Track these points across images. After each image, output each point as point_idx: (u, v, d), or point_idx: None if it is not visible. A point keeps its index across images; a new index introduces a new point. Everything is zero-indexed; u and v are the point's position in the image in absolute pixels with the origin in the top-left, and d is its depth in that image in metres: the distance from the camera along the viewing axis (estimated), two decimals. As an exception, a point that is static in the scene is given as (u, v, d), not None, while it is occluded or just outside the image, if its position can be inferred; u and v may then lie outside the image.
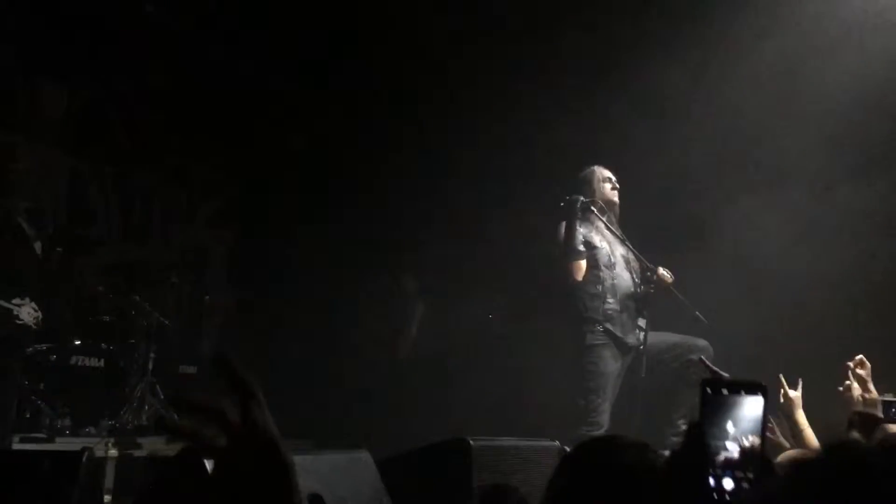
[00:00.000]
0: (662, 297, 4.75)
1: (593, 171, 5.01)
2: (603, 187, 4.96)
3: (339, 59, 6.72)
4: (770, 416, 3.64)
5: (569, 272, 4.76)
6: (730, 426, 1.21)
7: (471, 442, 2.87)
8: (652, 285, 4.74)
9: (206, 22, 6.80)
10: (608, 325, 4.71)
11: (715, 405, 1.22)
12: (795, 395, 3.38)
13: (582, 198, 4.77)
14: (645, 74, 5.48)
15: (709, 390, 1.23)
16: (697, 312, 4.61)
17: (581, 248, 4.77)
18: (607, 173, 5.02)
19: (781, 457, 2.96)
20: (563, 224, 4.79)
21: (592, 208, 4.77)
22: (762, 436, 1.20)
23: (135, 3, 6.46)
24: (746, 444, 1.20)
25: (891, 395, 3.09)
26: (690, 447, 1.16)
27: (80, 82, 6.90)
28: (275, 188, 7.82)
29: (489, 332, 6.45)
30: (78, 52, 6.61)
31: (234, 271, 8.17)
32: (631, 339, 4.76)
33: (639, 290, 4.88)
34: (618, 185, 4.99)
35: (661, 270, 4.78)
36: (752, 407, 1.22)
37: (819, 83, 5.22)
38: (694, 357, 4.33)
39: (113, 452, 5.11)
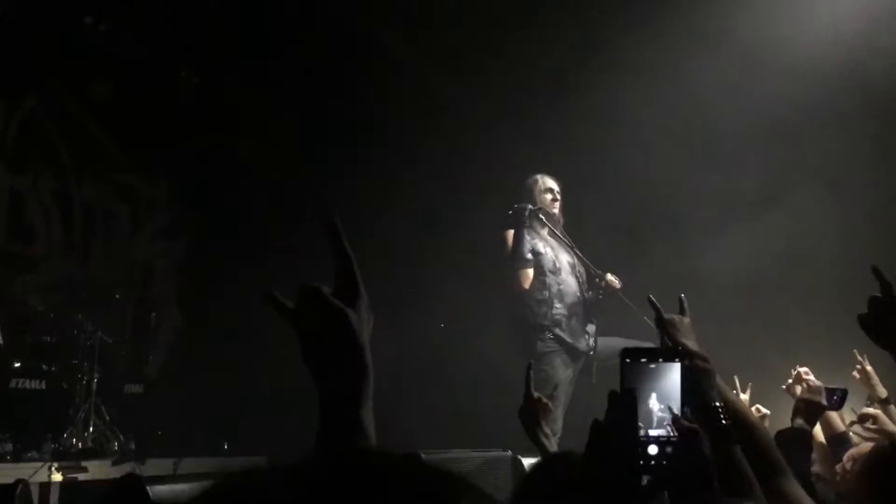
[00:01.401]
0: (611, 302, 4.80)
1: (536, 181, 5.05)
2: (544, 198, 4.99)
3: (282, 62, 6.65)
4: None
5: (517, 280, 4.78)
6: (652, 395, 1.23)
7: (422, 455, 2.85)
8: (601, 291, 4.79)
9: (148, 32, 6.69)
10: (557, 331, 4.74)
11: (635, 374, 1.25)
12: (744, 398, 3.46)
13: (530, 206, 4.80)
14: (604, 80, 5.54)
15: (628, 360, 1.24)
16: (645, 317, 4.65)
17: (529, 256, 4.80)
18: (550, 183, 5.04)
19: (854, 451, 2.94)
20: (511, 232, 4.83)
21: (540, 216, 4.81)
22: (682, 399, 1.23)
23: (76, 15, 6.34)
24: (668, 411, 1.22)
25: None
26: (621, 415, 1.17)
27: (18, 95, 6.73)
28: (223, 201, 7.70)
29: (438, 342, 6.44)
30: (17, 64, 6.44)
31: (181, 288, 8.02)
32: (581, 345, 4.79)
33: (586, 295, 4.94)
34: (559, 197, 5.01)
35: (609, 276, 4.83)
36: (671, 374, 1.24)
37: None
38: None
39: (57, 477, 4.97)
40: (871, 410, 3.21)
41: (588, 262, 4.88)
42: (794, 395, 3.14)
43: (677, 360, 1.26)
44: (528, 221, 4.79)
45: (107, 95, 7.01)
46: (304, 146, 7.24)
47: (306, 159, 7.23)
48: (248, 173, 7.53)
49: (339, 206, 6.96)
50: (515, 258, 4.78)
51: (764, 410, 3.29)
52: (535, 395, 2.47)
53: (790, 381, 3.29)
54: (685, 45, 5.34)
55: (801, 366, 3.29)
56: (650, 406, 1.24)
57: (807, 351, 3.90)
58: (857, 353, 3.44)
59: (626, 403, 1.18)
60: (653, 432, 1.22)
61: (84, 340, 5.96)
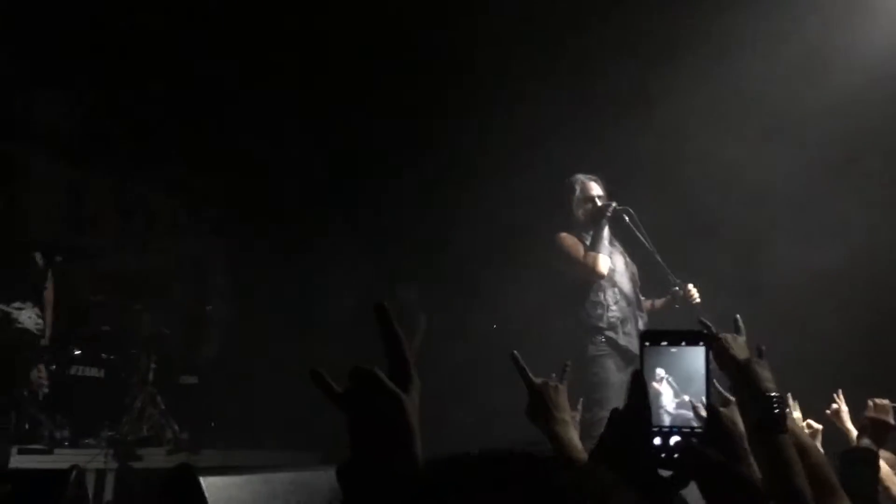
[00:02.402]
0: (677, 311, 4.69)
1: (574, 186, 4.88)
2: (584, 209, 4.83)
3: (345, 65, 6.68)
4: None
5: (596, 265, 4.67)
6: (668, 381, 1.14)
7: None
8: (676, 301, 4.69)
9: (208, 27, 6.76)
10: (610, 334, 4.65)
11: (655, 358, 1.16)
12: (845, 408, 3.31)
13: (615, 204, 4.71)
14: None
15: (647, 343, 1.17)
16: (707, 322, 4.54)
17: (608, 245, 4.71)
18: (593, 190, 4.86)
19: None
20: (565, 235, 4.76)
21: (625, 217, 4.71)
22: (707, 387, 1.14)
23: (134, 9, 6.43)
24: (690, 395, 1.13)
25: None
26: (631, 400, 1.10)
27: (80, 90, 6.87)
28: (279, 194, 7.78)
29: (495, 342, 6.40)
30: (79, 60, 6.58)
31: (236, 281, 8.12)
32: (634, 348, 4.69)
33: (639, 298, 4.85)
34: (600, 203, 4.83)
35: (691, 287, 4.70)
36: (694, 358, 1.16)
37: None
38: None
39: (112, 464, 5.06)
40: None
41: (667, 268, 4.76)
42: (837, 420, 3.06)
43: (701, 343, 1.16)
44: (611, 220, 4.69)
45: (168, 92, 7.12)
46: (362, 142, 7.26)
47: (362, 155, 7.25)
48: (304, 167, 7.59)
49: (400, 205, 6.99)
50: (597, 244, 4.67)
51: (816, 426, 3.18)
52: (539, 380, 2.09)
53: (835, 405, 3.20)
54: (742, 40, 5.24)
55: (841, 393, 3.20)
56: (664, 393, 1.14)
57: (866, 368, 3.76)
58: None
59: (637, 389, 1.11)
60: (674, 422, 1.14)
61: (141, 331, 6.08)
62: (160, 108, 7.15)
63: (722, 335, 1.91)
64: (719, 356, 1.87)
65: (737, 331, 1.95)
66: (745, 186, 5.40)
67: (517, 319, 6.00)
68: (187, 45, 6.64)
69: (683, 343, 1.16)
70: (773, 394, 1.59)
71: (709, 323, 1.97)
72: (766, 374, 1.69)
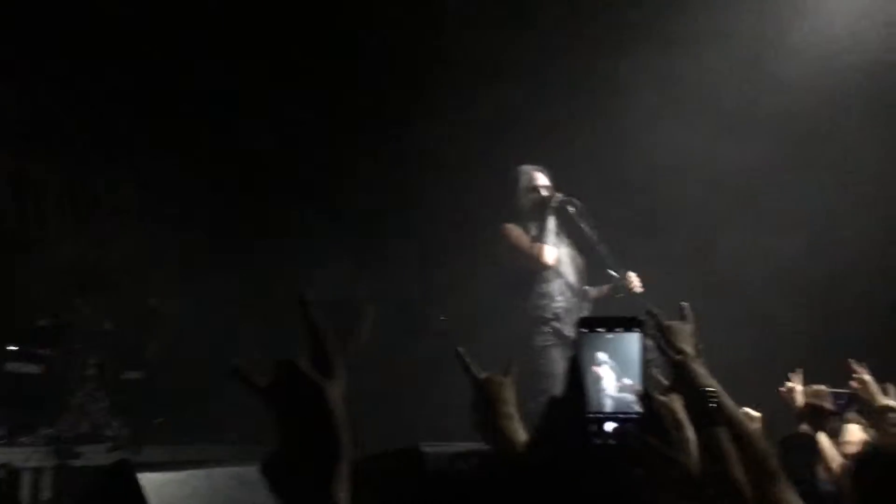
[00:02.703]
0: (621, 300, 4.73)
1: (519, 177, 4.91)
2: (528, 199, 4.86)
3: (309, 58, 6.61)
4: None
5: (541, 255, 4.68)
6: (608, 367, 1.15)
7: (423, 448, 2.80)
8: (617, 289, 4.73)
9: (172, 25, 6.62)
10: (556, 325, 4.67)
11: (591, 345, 1.17)
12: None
13: (561, 195, 4.73)
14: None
15: (584, 330, 1.17)
16: (649, 307, 4.58)
17: (554, 237, 4.72)
18: (538, 180, 4.88)
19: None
20: (512, 226, 4.78)
21: (569, 208, 4.73)
22: (641, 372, 1.15)
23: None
24: (627, 381, 1.14)
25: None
26: (567, 387, 1.11)
27: (29, 79, 6.67)
28: (230, 190, 7.66)
29: (439, 333, 6.40)
30: (26, 48, 6.38)
31: (184, 275, 7.97)
32: (579, 338, 4.72)
33: (583, 287, 4.89)
34: (545, 194, 4.85)
35: (631, 275, 4.74)
36: (630, 343, 1.17)
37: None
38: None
39: (51, 462, 4.94)
40: (893, 402, 3.15)
41: (609, 258, 4.78)
42: (791, 400, 3.11)
43: (636, 329, 1.18)
44: (557, 211, 4.71)
45: (116, 82, 6.94)
46: (314, 134, 7.19)
47: (315, 146, 7.18)
48: (255, 158, 7.48)
49: (344, 196, 6.93)
50: (542, 235, 4.68)
51: (754, 414, 3.23)
52: (483, 375, 2.07)
53: (789, 384, 3.25)
54: (699, 29, 5.31)
55: (794, 372, 3.26)
56: (605, 378, 1.16)
57: (813, 354, 3.84)
58: (852, 363, 3.36)
59: (573, 375, 1.11)
60: (616, 406, 1.14)
61: (82, 326, 5.93)
62: (107, 96, 6.99)
63: (668, 323, 1.94)
64: (664, 344, 1.91)
65: (683, 319, 1.99)
66: (698, 177, 5.47)
67: (469, 312, 6.01)
68: (135, 29, 6.51)
69: (619, 329, 1.17)
70: (707, 389, 1.65)
71: (656, 311, 1.99)
72: (701, 371, 1.75)
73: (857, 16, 5.34)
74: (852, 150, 5.28)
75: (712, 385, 1.70)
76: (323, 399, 1.03)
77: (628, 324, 1.19)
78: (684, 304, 2.04)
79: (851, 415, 3.41)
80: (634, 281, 4.73)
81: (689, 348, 1.91)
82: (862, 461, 1.86)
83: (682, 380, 1.75)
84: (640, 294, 4.71)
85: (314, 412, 1.02)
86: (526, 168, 4.93)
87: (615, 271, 4.77)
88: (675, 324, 1.96)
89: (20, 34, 6.21)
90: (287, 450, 1.00)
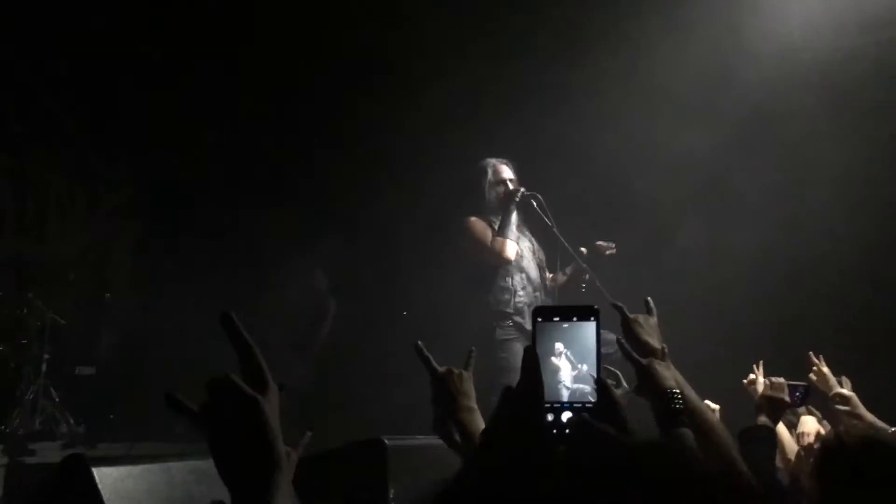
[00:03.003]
0: (585, 293, 4.73)
1: (485, 170, 4.88)
2: (495, 191, 4.84)
3: (253, 50, 6.53)
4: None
5: (503, 250, 4.67)
6: (565, 356, 1.15)
7: (385, 441, 2.78)
8: (584, 285, 4.74)
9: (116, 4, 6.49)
10: (518, 319, 4.68)
11: (547, 334, 1.17)
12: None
13: (523, 189, 4.72)
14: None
15: (539, 319, 1.17)
16: (621, 306, 4.60)
17: (515, 231, 4.72)
18: (504, 174, 4.87)
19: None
20: (474, 219, 4.77)
21: (533, 202, 4.73)
22: (597, 361, 1.15)
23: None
24: (583, 371, 1.14)
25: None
26: (523, 377, 1.10)
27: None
28: (183, 182, 7.55)
29: (400, 329, 6.37)
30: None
31: (137, 269, 7.84)
32: (540, 332, 4.72)
33: (546, 282, 4.90)
34: (512, 186, 4.87)
35: (599, 243, 4.75)
36: (586, 333, 1.17)
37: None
38: (604, 351, 4.32)
39: (3, 460, 4.82)
40: (845, 391, 3.20)
41: (574, 254, 4.79)
42: (754, 392, 3.14)
43: (592, 318, 1.17)
44: (519, 204, 4.70)
45: (65, 70, 6.81)
46: (269, 130, 7.12)
47: (276, 139, 7.12)
48: (210, 153, 7.40)
49: (308, 195, 6.88)
50: (504, 231, 4.67)
51: (713, 406, 3.27)
52: (443, 368, 2.04)
53: (752, 375, 3.28)
54: (664, 22, 5.36)
55: (757, 365, 3.30)
56: (561, 368, 1.15)
57: (772, 347, 3.88)
58: (812, 355, 3.42)
59: (529, 364, 1.10)
60: (573, 396, 1.14)
61: (34, 320, 5.80)
62: (60, 88, 6.85)
63: (633, 316, 1.96)
64: (630, 338, 1.92)
65: (648, 312, 2.01)
66: (659, 170, 5.50)
67: (431, 306, 5.99)
68: (91, 20, 6.39)
69: (575, 318, 1.17)
70: (671, 391, 1.68)
71: (621, 304, 2.00)
72: (665, 373, 1.78)
73: (812, 11, 5.43)
74: (812, 143, 5.36)
75: (676, 387, 1.73)
76: (258, 412, 1.04)
77: (584, 313, 1.18)
78: (648, 298, 2.05)
79: (804, 408, 3.46)
80: (604, 245, 4.74)
81: (654, 341, 1.94)
82: (826, 451, 1.88)
83: (647, 382, 1.79)
84: (610, 258, 4.72)
85: (249, 426, 1.03)
86: (491, 161, 4.92)
87: (582, 265, 4.78)
88: (640, 317, 1.99)
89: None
90: (226, 466, 1.01)
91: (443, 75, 5.98)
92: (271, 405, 1.07)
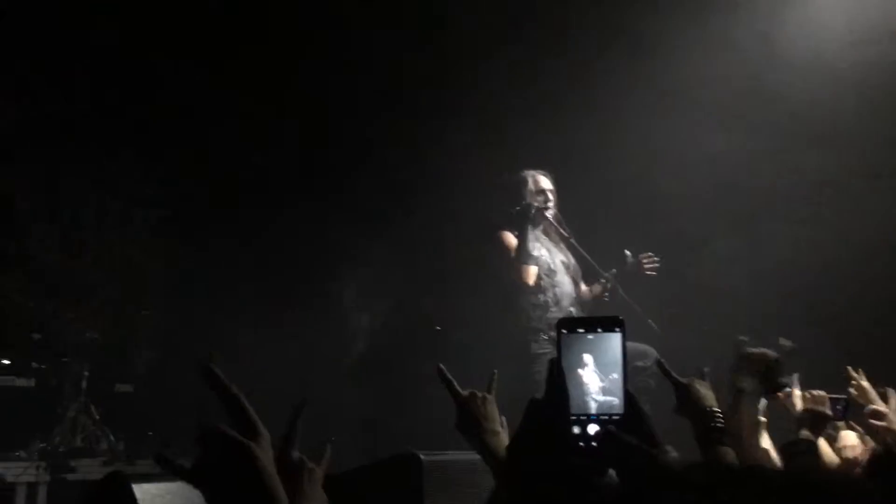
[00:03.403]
0: (614, 304, 4.72)
1: (525, 180, 4.89)
2: (536, 200, 4.84)
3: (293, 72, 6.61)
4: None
5: (521, 276, 4.69)
6: (591, 367, 1.13)
7: (421, 456, 2.78)
8: (607, 294, 4.73)
9: (144, 27, 6.60)
10: (552, 334, 4.65)
11: (572, 346, 1.15)
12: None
13: (535, 204, 4.73)
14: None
15: (564, 331, 1.16)
16: (650, 321, 4.59)
17: (535, 253, 4.72)
18: (543, 183, 4.88)
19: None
20: (506, 233, 4.77)
21: (547, 216, 4.73)
22: (624, 373, 1.13)
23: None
24: (609, 383, 1.12)
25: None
26: (549, 389, 1.09)
27: (5, 88, 6.64)
28: (216, 199, 7.64)
29: (434, 344, 6.37)
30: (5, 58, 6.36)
31: (173, 286, 7.93)
32: (576, 347, 4.71)
33: (581, 295, 4.89)
34: (552, 197, 4.87)
35: (640, 258, 4.73)
36: (611, 344, 1.15)
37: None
38: (640, 363, 4.30)
39: (45, 477, 4.89)
40: (881, 408, 3.15)
41: (596, 265, 4.80)
42: (791, 406, 3.10)
43: (617, 329, 1.15)
44: (533, 220, 4.71)
45: (99, 87, 6.93)
46: (306, 142, 7.18)
47: (309, 155, 7.18)
48: (243, 171, 7.47)
49: (343, 209, 6.92)
50: (522, 255, 4.69)
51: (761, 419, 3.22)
52: (466, 392, 2.04)
53: (788, 389, 3.25)
54: (693, 39, 5.34)
55: (794, 376, 3.26)
56: (588, 380, 1.13)
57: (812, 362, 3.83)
58: (849, 369, 3.40)
59: (553, 376, 1.09)
60: (600, 408, 1.13)
61: (73, 338, 5.89)
62: (95, 103, 6.96)
63: (687, 380, 1.93)
64: (683, 403, 1.89)
65: (702, 377, 1.99)
66: (690, 178, 5.48)
67: (465, 321, 6.00)
68: (118, 36, 6.49)
69: (600, 329, 1.16)
70: (711, 409, 1.68)
71: (671, 372, 1.99)
72: (706, 392, 1.77)
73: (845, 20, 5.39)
74: (846, 150, 5.30)
75: (716, 405, 1.72)
76: (252, 459, 1.04)
77: (609, 324, 1.17)
78: (705, 370, 2.04)
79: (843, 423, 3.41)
80: (645, 261, 4.72)
81: (712, 403, 1.88)
82: (875, 464, 1.85)
83: (687, 401, 1.78)
84: (649, 276, 4.70)
85: (246, 474, 1.03)
86: (531, 171, 4.93)
87: (603, 275, 4.78)
88: (694, 380, 1.97)
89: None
90: None
91: (474, 86, 6.01)
92: (264, 451, 1.07)
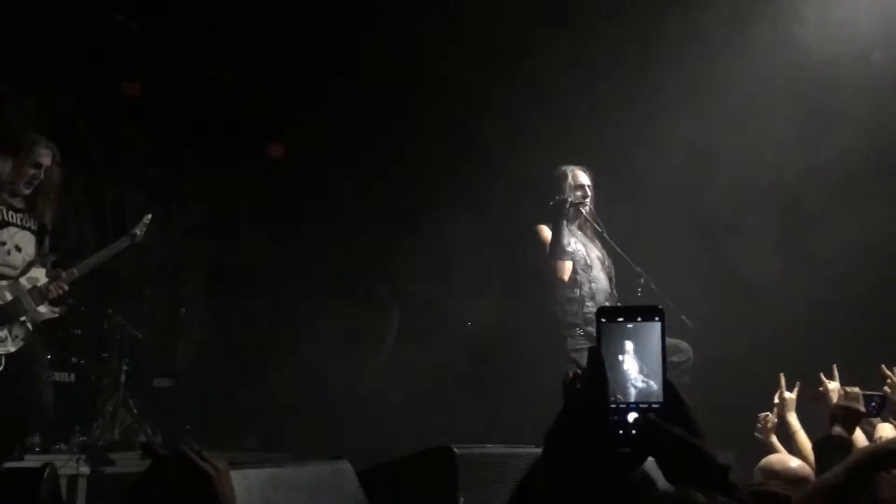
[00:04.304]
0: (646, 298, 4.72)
1: (565, 174, 4.90)
2: (574, 195, 4.85)
3: (322, 71, 6.66)
4: (760, 414, 3.62)
5: (556, 272, 4.69)
6: (630, 356, 1.13)
7: (455, 450, 2.80)
8: (639, 290, 4.72)
9: (179, 30, 6.70)
10: (589, 329, 4.66)
11: (611, 335, 1.15)
12: (790, 396, 3.40)
13: (570, 199, 4.73)
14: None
15: (604, 320, 1.15)
16: (683, 317, 4.57)
17: (569, 248, 4.72)
18: (582, 178, 4.90)
19: (763, 462, 2.95)
20: (544, 227, 4.77)
21: (581, 210, 4.74)
22: (663, 361, 1.14)
23: (107, 12, 6.37)
24: (648, 372, 1.12)
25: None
26: (589, 377, 1.09)
27: (51, 93, 6.76)
28: (252, 201, 7.73)
29: (469, 339, 6.38)
30: (48, 62, 6.47)
31: (211, 283, 8.04)
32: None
33: (614, 292, 4.88)
34: (590, 192, 4.88)
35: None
36: (651, 333, 1.15)
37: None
38: (674, 359, 4.29)
39: (84, 469, 4.97)
40: None
41: (629, 259, 4.79)
42: (829, 399, 3.08)
43: (657, 318, 1.15)
44: (567, 214, 4.70)
45: (138, 93, 7.04)
46: (331, 143, 7.24)
47: (332, 156, 7.23)
48: (280, 170, 7.55)
49: (373, 204, 6.98)
50: (556, 250, 4.69)
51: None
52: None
53: (827, 382, 3.23)
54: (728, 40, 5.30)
55: (829, 372, 3.24)
56: (628, 368, 1.13)
57: (844, 357, 3.79)
58: (884, 368, 3.37)
59: (594, 364, 1.10)
60: (639, 395, 1.13)
61: (114, 334, 5.98)
62: (136, 105, 7.07)
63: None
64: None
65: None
66: (724, 179, 5.45)
67: (500, 315, 6.01)
68: (165, 40, 6.59)
69: (639, 318, 1.16)
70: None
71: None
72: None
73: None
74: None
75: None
76: (213, 487, 1.13)
77: (649, 313, 1.17)
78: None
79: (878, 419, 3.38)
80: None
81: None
82: None
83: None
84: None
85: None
86: (570, 167, 4.94)
87: (637, 272, 4.79)
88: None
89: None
90: None
91: (509, 84, 6.02)
92: (225, 480, 1.18)
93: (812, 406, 3.28)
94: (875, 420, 3.38)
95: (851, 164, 5.25)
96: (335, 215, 7.12)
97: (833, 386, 3.11)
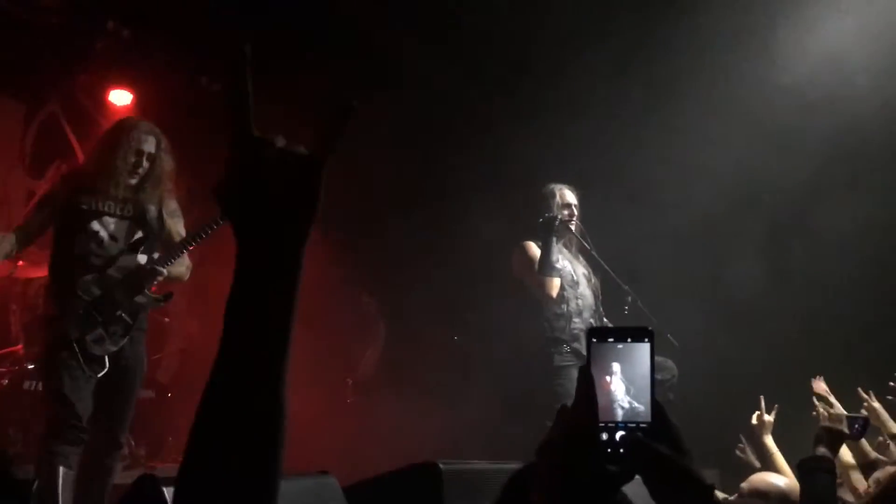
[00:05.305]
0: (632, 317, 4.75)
1: (553, 193, 4.95)
2: (562, 214, 4.89)
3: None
4: (742, 437, 3.67)
5: (545, 288, 4.72)
6: (618, 377, 1.16)
7: (441, 466, 2.80)
8: (626, 308, 4.75)
9: (168, 38, 6.70)
10: (575, 345, 4.69)
11: (602, 355, 1.16)
12: (768, 419, 3.44)
13: (560, 216, 4.76)
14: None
15: (594, 340, 1.17)
16: (668, 335, 4.60)
17: (558, 265, 4.75)
18: (569, 198, 4.95)
19: (751, 479, 2.98)
20: (531, 243, 4.80)
21: (570, 227, 4.78)
22: (651, 381, 1.16)
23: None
24: (636, 392, 1.15)
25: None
26: (578, 396, 1.11)
27: (39, 99, 6.75)
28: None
29: (453, 353, 6.39)
30: (37, 68, 6.47)
31: (193, 295, 7.99)
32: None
33: (600, 309, 4.92)
34: (576, 212, 4.94)
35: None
36: (640, 354, 1.17)
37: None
38: (659, 377, 4.32)
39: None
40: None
41: (617, 278, 4.83)
42: (829, 406, 3.13)
43: (646, 340, 1.16)
44: (557, 231, 4.74)
45: (126, 100, 7.02)
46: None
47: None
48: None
49: (357, 209, 6.97)
50: (545, 267, 4.71)
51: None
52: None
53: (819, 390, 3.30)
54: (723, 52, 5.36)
55: (817, 379, 3.29)
56: (615, 389, 1.15)
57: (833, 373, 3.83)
58: (861, 391, 3.43)
59: (583, 384, 1.12)
60: (621, 417, 1.16)
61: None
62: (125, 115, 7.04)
63: None
64: None
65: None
66: (716, 190, 5.50)
67: (486, 331, 6.02)
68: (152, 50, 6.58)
69: (629, 339, 1.18)
70: None
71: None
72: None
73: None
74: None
75: None
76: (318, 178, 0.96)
77: (639, 334, 1.20)
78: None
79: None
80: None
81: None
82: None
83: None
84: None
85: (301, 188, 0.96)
86: (557, 186, 4.99)
87: (626, 291, 4.82)
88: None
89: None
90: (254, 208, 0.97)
91: (508, 96, 6.04)
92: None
93: (793, 426, 3.32)
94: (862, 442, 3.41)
95: (840, 178, 5.32)
96: (333, 225, 7.10)
97: (821, 385, 3.18)
